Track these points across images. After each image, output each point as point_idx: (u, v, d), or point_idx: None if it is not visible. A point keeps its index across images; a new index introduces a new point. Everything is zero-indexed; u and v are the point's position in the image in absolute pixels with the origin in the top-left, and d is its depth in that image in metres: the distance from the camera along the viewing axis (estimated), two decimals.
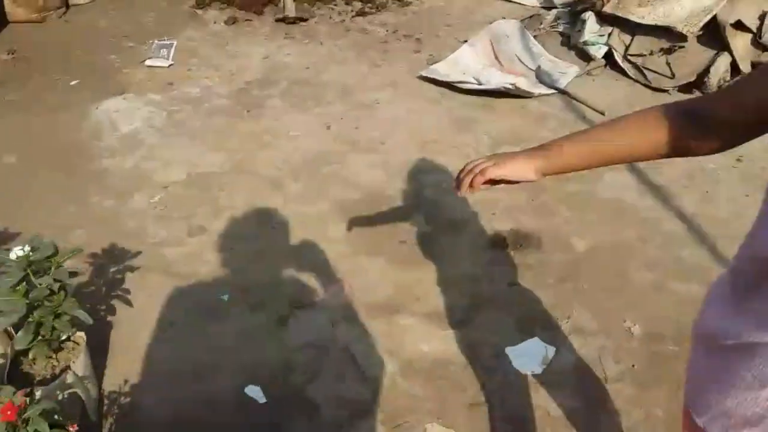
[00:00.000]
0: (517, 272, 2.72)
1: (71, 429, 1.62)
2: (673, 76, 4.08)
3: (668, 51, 4.14)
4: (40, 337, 1.90)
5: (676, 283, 2.65)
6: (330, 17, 5.43)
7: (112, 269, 2.71)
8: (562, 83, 4.15)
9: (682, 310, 2.47)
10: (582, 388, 2.22)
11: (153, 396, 2.19)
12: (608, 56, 4.42)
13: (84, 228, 2.94)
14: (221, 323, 2.48)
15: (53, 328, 1.92)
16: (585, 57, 4.52)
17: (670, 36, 4.17)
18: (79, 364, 1.99)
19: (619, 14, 4.36)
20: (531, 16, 5.16)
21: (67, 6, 5.33)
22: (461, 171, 1.24)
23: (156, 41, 4.70)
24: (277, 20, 5.27)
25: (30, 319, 1.88)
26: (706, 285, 1.11)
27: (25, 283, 1.84)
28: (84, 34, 4.99)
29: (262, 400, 2.18)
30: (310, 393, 2.20)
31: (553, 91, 4.12)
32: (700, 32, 4.11)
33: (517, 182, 1.19)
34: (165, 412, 2.13)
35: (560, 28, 4.89)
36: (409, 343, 2.40)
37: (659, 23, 4.18)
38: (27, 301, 1.82)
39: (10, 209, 3.03)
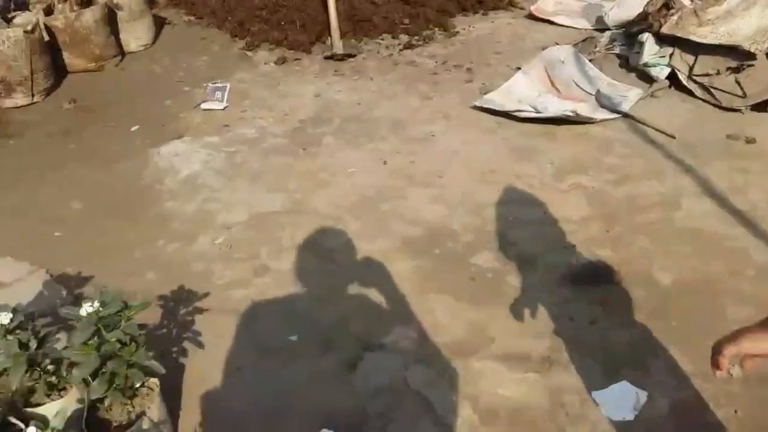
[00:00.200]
0: (597, 309, 2.57)
1: None
2: (744, 95, 3.90)
3: (736, 70, 3.97)
4: (114, 386, 1.90)
5: None
6: (378, 52, 5.44)
7: (181, 311, 2.70)
8: (625, 107, 4.02)
9: None
10: None
11: None
12: (672, 77, 4.27)
13: (153, 271, 2.95)
14: (290, 366, 2.41)
15: (126, 377, 1.92)
16: (646, 79, 4.38)
17: (736, 54, 4.00)
18: (154, 410, 2.01)
19: (679, 34, 4.22)
20: (584, 40, 5.06)
21: (123, 54, 5.50)
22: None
23: (210, 84, 4.79)
24: (326, 58, 5.31)
25: (104, 370, 1.88)
26: None
27: (96, 337, 1.84)
28: (140, 80, 5.13)
29: None
30: None
31: (615, 115, 3.99)
32: None
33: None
34: None
35: (616, 51, 4.77)
36: (487, 388, 2.27)
37: (723, 42, 4.02)
38: (99, 354, 1.83)
39: (82, 253, 3.07)
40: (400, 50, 5.44)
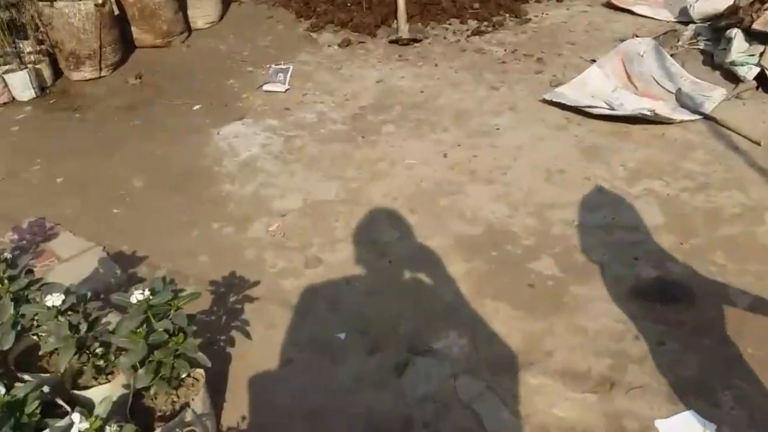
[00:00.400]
0: (666, 329, 2.39)
1: None
2: None
3: None
4: (160, 375, 1.89)
5: None
6: (444, 37, 5.28)
7: (231, 299, 2.68)
8: (708, 108, 3.74)
9: None
10: None
11: None
12: (760, 77, 3.94)
13: (206, 254, 2.95)
14: (337, 364, 2.36)
15: (173, 367, 1.91)
16: (732, 78, 4.07)
17: None
18: (198, 401, 2.00)
19: None
20: (666, 33, 4.75)
21: (190, 31, 5.53)
22: None
23: (273, 66, 4.75)
24: (391, 42, 5.19)
25: (151, 359, 1.87)
26: None
27: (145, 325, 1.83)
28: (205, 58, 5.14)
29: None
30: None
31: (696, 116, 3.72)
32: None
33: None
34: None
35: (701, 46, 4.46)
36: (542, 406, 2.15)
37: None
38: (147, 343, 1.81)
39: (138, 232, 3.10)
40: (468, 36, 5.25)
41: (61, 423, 1.68)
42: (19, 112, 4.40)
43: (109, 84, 4.77)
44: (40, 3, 4.58)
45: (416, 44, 5.14)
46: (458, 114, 4.06)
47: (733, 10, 4.37)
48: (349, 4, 5.73)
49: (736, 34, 4.13)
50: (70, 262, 2.85)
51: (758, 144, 3.42)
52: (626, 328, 2.41)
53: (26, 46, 4.63)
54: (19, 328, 1.98)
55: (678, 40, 4.58)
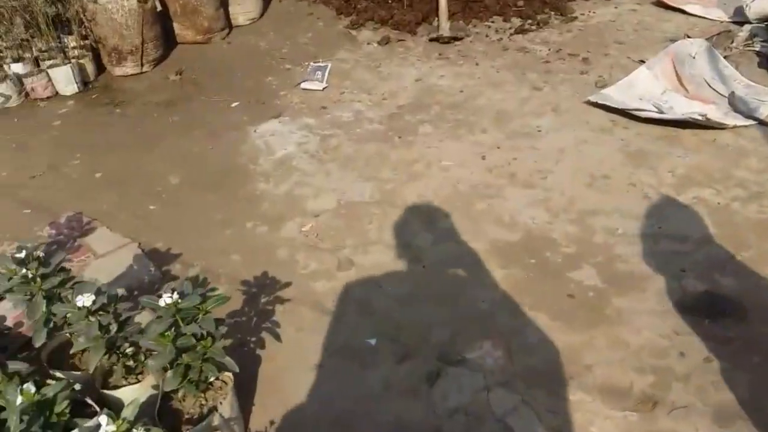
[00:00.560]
0: (713, 345, 2.26)
1: None
2: None
3: None
4: (188, 378, 1.88)
5: None
6: (486, 35, 5.17)
7: (262, 300, 2.66)
8: (762, 113, 3.55)
9: None
10: None
11: None
12: None
13: (239, 253, 2.93)
14: (367, 371, 2.31)
15: (201, 370, 1.89)
16: None
17: None
18: (226, 405, 1.99)
19: None
20: (719, 33, 4.55)
21: (230, 27, 5.56)
22: None
23: (311, 63, 4.73)
24: (431, 40, 5.11)
25: (179, 362, 1.86)
26: None
27: (173, 329, 1.81)
28: (245, 55, 5.15)
29: None
30: None
31: (751, 122, 3.54)
32: None
33: None
34: None
35: (757, 47, 4.25)
36: (580, 424, 2.05)
37: None
38: (175, 346, 1.80)
39: (173, 230, 3.11)
40: (511, 35, 5.13)
41: (89, 423, 1.68)
42: (62, 106, 4.48)
43: (150, 80, 4.82)
44: None
45: (457, 42, 5.05)
46: (498, 115, 3.96)
47: None
48: (389, 1, 5.67)
49: None
50: (106, 257, 2.87)
51: None
52: (671, 344, 2.29)
53: (70, 41, 4.72)
54: (51, 325, 2.00)
55: (732, 41, 4.38)
